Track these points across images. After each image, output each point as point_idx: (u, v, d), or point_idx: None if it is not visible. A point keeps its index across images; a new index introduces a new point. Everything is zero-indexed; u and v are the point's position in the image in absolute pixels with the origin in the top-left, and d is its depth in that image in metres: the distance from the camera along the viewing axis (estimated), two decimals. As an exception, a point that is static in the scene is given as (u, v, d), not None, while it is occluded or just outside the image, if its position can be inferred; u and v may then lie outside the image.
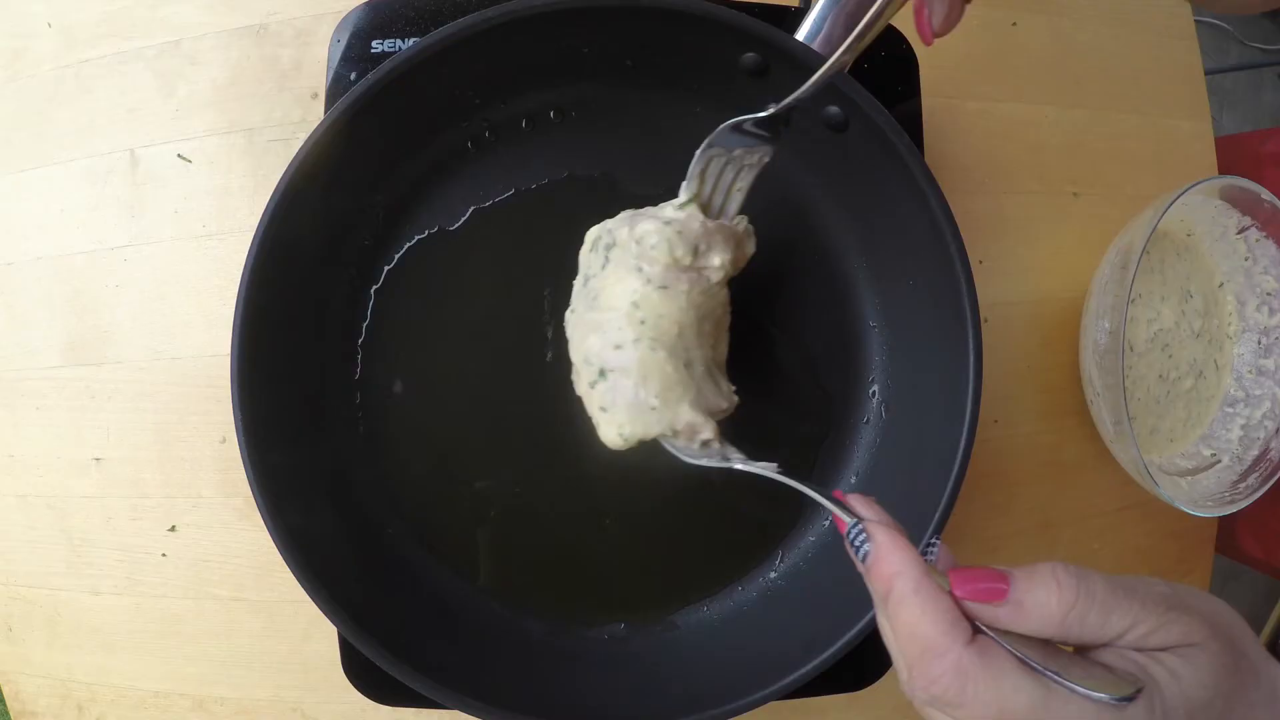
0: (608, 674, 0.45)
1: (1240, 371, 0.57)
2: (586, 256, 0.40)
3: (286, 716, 0.51)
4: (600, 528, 0.46)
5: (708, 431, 0.37)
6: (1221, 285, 0.56)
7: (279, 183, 0.39)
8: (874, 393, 0.47)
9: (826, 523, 0.47)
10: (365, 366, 0.45)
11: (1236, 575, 1.29)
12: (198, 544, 0.51)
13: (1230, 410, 0.57)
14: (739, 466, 0.35)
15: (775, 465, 0.33)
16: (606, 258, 0.38)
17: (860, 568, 0.28)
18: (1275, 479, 0.52)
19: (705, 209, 0.38)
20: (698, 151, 0.37)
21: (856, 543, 0.28)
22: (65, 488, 0.52)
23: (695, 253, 0.36)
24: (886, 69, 0.49)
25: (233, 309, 0.40)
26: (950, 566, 0.28)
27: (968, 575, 0.26)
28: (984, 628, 0.26)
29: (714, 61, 0.42)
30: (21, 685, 0.54)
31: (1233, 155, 0.72)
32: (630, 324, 0.36)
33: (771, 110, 0.35)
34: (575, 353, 0.38)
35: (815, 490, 0.30)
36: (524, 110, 0.45)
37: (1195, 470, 0.56)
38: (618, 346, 0.36)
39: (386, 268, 0.45)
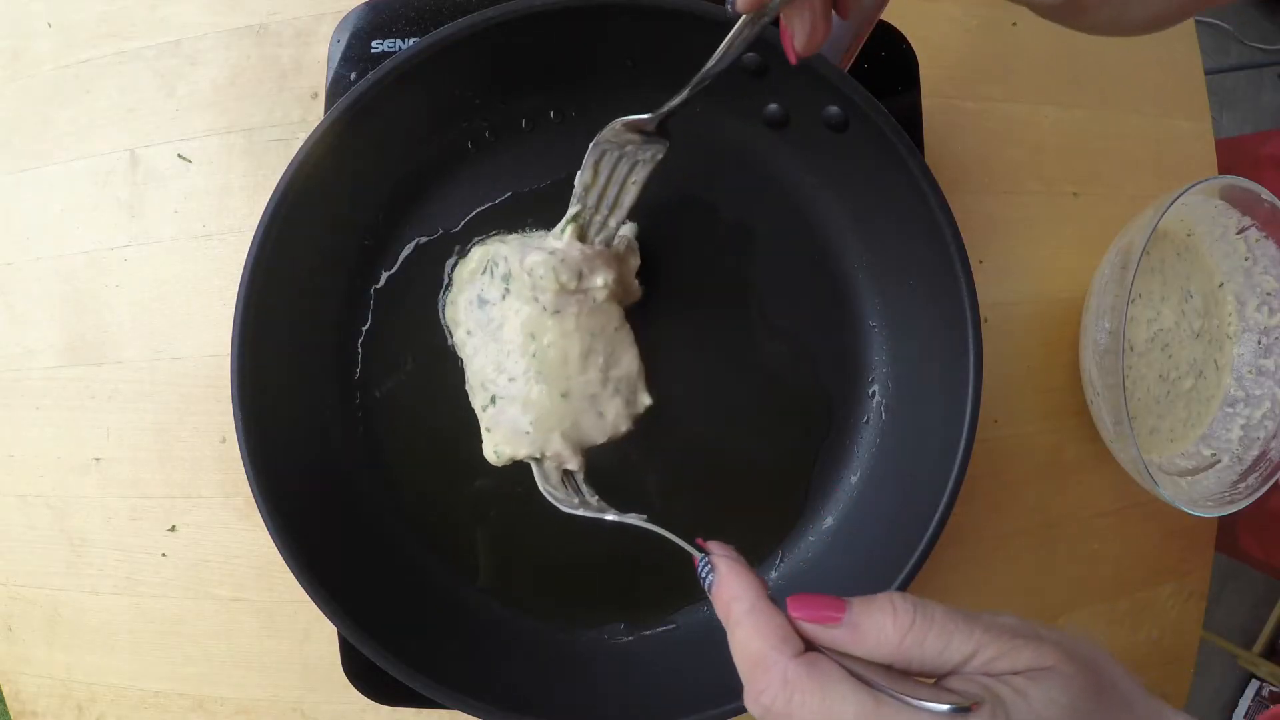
0: (608, 674, 0.45)
1: (1240, 371, 0.57)
2: (478, 277, 0.43)
3: (286, 716, 0.51)
4: (600, 527, 0.46)
5: (573, 463, 0.43)
6: (1221, 285, 0.56)
7: (279, 183, 0.39)
8: (874, 393, 0.47)
9: (826, 523, 0.47)
10: (365, 366, 0.45)
11: (1236, 575, 1.29)
12: (198, 544, 0.51)
13: (1230, 410, 0.57)
14: (610, 518, 0.38)
15: (644, 516, 0.36)
16: (506, 288, 0.42)
17: (711, 597, 0.29)
18: (1275, 479, 0.52)
19: (583, 233, 0.42)
20: (590, 144, 0.39)
21: (703, 574, 0.30)
22: (65, 488, 0.52)
23: (580, 277, 0.41)
24: (886, 69, 0.49)
25: (233, 309, 0.40)
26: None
27: (805, 600, 0.27)
28: (824, 650, 0.26)
29: (714, 61, 0.42)
30: (21, 685, 0.54)
31: (1232, 158, 0.72)
32: (524, 356, 0.41)
33: (649, 116, 0.37)
34: (474, 375, 0.44)
35: (675, 536, 0.32)
36: (524, 110, 0.45)
37: (1195, 470, 0.56)
38: (511, 379, 0.42)
39: (386, 271, 0.45)
